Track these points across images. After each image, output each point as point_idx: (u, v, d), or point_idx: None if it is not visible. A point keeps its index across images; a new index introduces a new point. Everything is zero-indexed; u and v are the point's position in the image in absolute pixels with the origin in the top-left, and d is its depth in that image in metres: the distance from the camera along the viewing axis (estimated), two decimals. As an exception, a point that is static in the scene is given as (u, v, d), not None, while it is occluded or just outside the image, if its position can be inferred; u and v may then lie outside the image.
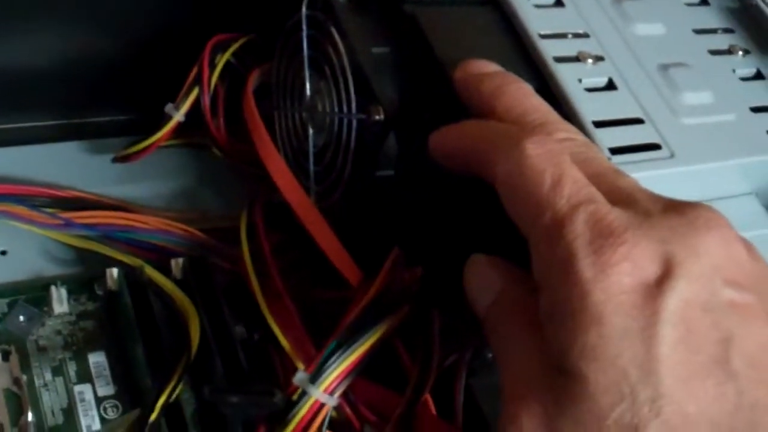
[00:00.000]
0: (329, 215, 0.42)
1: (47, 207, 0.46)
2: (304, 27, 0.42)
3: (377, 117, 0.38)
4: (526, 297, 0.30)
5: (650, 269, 0.27)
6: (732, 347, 0.27)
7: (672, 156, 0.38)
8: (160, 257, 0.45)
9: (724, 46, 0.45)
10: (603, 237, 0.28)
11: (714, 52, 0.44)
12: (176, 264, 0.44)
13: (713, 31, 0.46)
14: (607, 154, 0.36)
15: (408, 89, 0.39)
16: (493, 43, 0.40)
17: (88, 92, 0.52)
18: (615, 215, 0.28)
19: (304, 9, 0.42)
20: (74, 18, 0.49)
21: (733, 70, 0.44)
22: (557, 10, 0.42)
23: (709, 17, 0.46)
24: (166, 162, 0.51)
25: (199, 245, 0.45)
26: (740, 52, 0.45)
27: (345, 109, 0.40)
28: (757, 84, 0.44)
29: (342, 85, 0.40)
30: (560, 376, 0.28)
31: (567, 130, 0.33)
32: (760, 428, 0.27)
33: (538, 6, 0.42)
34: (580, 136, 0.33)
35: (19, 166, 0.49)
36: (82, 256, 0.46)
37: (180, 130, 0.48)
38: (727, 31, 0.46)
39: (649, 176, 0.37)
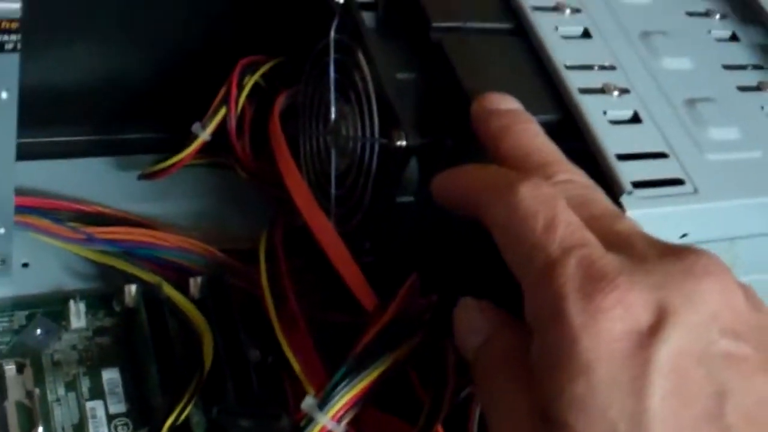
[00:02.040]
0: (349, 239, 0.42)
1: (71, 221, 0.46)
2: (332, 51, 0.42)
3: (399, 142, 0.38)
4: (515, 343, 0.30)
5: (643, 316, 0.26)
6: (727, 401, 0.26)
7: (695, 191, 0.38)
8: (179, 275, 0.45)
9: (753, 83, 0.44)
10: (594, 281, 0.27)
11: (743, 89, 0.44)
12: (195, 283, 0.44)
13: (743, 67, 0.45)
14: (629, 188, 0.36)
15: (432, 116, 0.39)
16: (519, 73, 0.40)
17: (118, 109, 0.52)
18: (608, 260, 0.28)
19: (332, 33, 0.42)
20: (107, 36, 0.50)
21: (762, 108, 0.43)
22: (584, 42, 0.42)
23: (738, 53, 0.46)
24: (192, 180, 0.51)
25: (219, 265, 0.46)
26: (770, 89, 0.44)
27: (368, 133, 0.40)
28: (786, 121, 0.44)
29: (366, 110, 0.40)
30: (547, 426, 0.27)
31: (568, 171, 0.33)
32: None
33: (565, 37, 0.42)
34: (582, 178, 0.33)
35: (47, 180, 0.49)
36: (103, 271, 0.46)
37: (206, 149, 0.48)
38: (756, 67, 0.46)
39: (672, 211, 0.37)
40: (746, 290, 0.29)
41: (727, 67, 0.45)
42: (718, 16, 0.47)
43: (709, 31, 0.46)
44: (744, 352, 0.27)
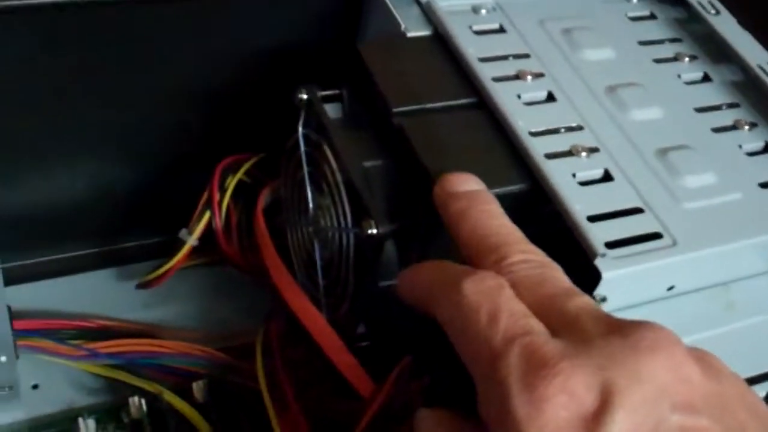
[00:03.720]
0: (342, 326, 0.42)
1: (74, 338, 0.47)
2: (302, 145, 0.43)
3: (370, 231, 0.38)
4: None
5: (588, 400, 0.26)
6: None
7: (674, 243, 0.37)
8: (183, 380, 0.46)
9: (729, 122, 0.44)
10: (536, 370, 0.27)
11: (717, 130, 0.44)
12: (197, 387, 0.45)
13: (717, 107, 0.45)
14: (602, 250, 0.36)
15: (402, 201, 0.39)
16: (483, 147, 0.40)
17: (112, 221, 0.53)
18: (551, 346, 0.27)
19: (300, 128, 0.43)
20: (94, 152, 0.51)
21: (740, 146, 0.43)
22: (548, 106, 0.42)
23: (711, 94, 0.46)
24: (191, 281, 0.52)
25: (221, 366, 0.46)
26: (746, 127, 0.44)
27: (343, 223, 0.40)
28: (765, 157, 0.43)
29: (338, 200, 0.40)
30: None
31: (524, 251, 0.33)
32: None
33: (528, 103, 0.42)
34: (537, 257, 0.33)
35: (48, 299, 0.51)
36: (111, 383, 0.47)
37: (198, 249, 0.49)
38: (731, 106, 0.45)
39: (652, 267, 0.37)
40: (703, 360, 0.28)
41: (699, 110, 0.45)
42: (687, 59, 0.47)
43: (679, 76, 0.46)
44: (701, 424, 0.27)
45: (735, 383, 0.29)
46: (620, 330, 0.28)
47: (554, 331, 0.29)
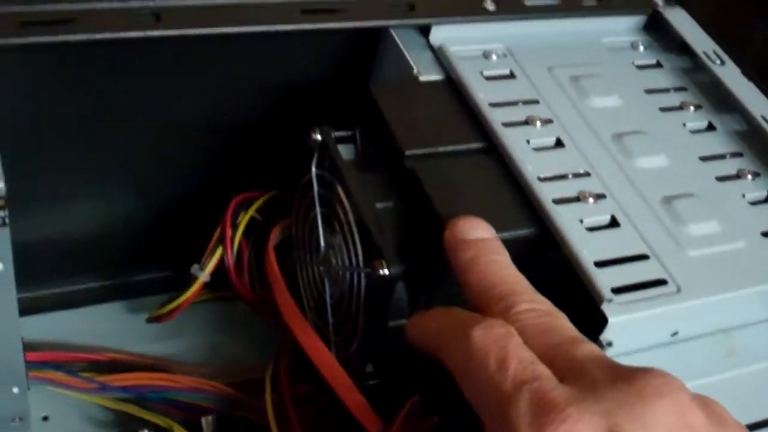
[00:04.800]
0: (351, 364, 0.43)
1: (85, 371, 0.47)
2: (315, 186, 0.44)
3: (382, 271, 0.39)
4: None
5: None
6: None
7: (678, 290, 0.38)
8: (192, 415, 0.46)
9: (733, 171, 0.45)
10: (545, 414, 0.28)
11: (721, 179, 0.45)
12: (206, 422, 0.46)
13: (721, 156, 0.46)
14: (609, 295, 0.37)
15: (413, 242, 0.40)
16: (493, 191, 0.41)
17: (124, 254, 0.54)
18: (559, 391, 0.28)
19: (313, 169, 0.44)
20: (106, 185, 0.52)
21: (743, 195, 0.44)
22: (556, 152, 0.43)
23: (715, 143, 0.47)
24: (202, 316, 0.53)
25: (229, 401, 0.47)
26: (749, 176, 0.45)
27: (354, 263, 0.41)
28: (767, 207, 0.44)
29: (350, 240, 0.41)
30: None
31: (530, 300, 0.33)
32: None
33: (536, 149, 0.43)
34: (544, 306, 0.34)
35: (61, 331, 0.51)
36: (121, 416, 0.48)
37: (210, 285, 0.50)
38: (735, 155, 0.46)
39: (657, 313, 0.38)
40: (708, 407, 0.29)
41: (704, 159, 0.45)
42: (692, 108, 0.48)
43: (684, 124, 0.47)
44: None
45: (738, 431, 0.29)
46: (626, 377, 0.29)
47: (561, 378, 0.29)
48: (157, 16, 0.42)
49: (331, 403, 0.46)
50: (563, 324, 0.33)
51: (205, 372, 0.49)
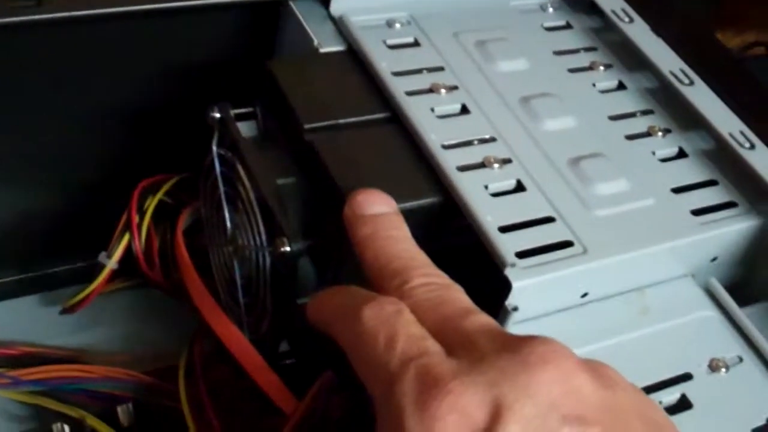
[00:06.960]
0: (265, 343, 0.42)
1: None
2: (217, 165, 0.43)
3: (283, 249, 0.38)
4: None
5: (479, 417, 0.26)
6: None
7: (585, 252, 0.38)
8: (109, 404, 0.45)
9: (643, 129, 0.45)
10: (429, 389, 0.27)
11: (631, 137, 0.44)
12: (122, 410, 0.45)
13: (631, 115, 0.46)
14: (512, 260, 0.36)
15: (316, 218, 0.39)
16: (395, 161, 0.40)
17: (36, 246, 0.53)
18: (446, 366, 0.28)
19: (214, 148, 0.43)
20: (15, 177, 0.50)
21: (653, 153, 0.44)
22: (462, 118, 0.42)
23: (626, 101, 0.46)
24: (116, 305, 0.52)
25: (146, 389, 0.46)
26: (660, 133, 0.45)
27: (258, 241, 0.40)
28: (679, 163, 0.44)
29: (253, 219, 0.40)
30: None
31: (426, 274, 0.33)
32: None
33: (441, 117, 0.42)
34: (438, 279, 0.33)
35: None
36: (35, 410, 0.47)
37: (123, 272, 0.48)
38: (646, 112, 0.46)
39: (563, 275, 0.37)
40: (596, 371, 0.29)
41: (614, 118, 0.45)
42: (602, 68, 0.48)
43: (594, 85, 0.47)
44: None
45: (630, 393, 0.29)
46: (512, 346, 0.28)
47: (451, 350, 0.29)
48: (39, 1, 0.41)
49: (248, 387, 0.45)
50: (456, 296, 0.32)
51: (123, 360, 0.47)
